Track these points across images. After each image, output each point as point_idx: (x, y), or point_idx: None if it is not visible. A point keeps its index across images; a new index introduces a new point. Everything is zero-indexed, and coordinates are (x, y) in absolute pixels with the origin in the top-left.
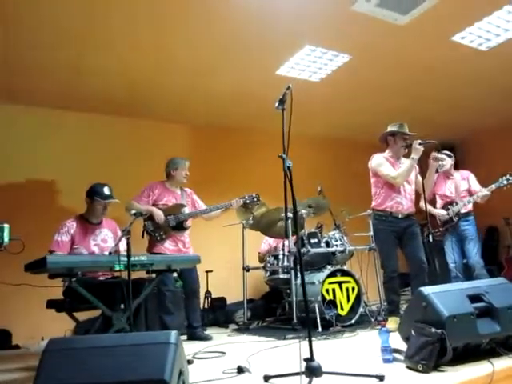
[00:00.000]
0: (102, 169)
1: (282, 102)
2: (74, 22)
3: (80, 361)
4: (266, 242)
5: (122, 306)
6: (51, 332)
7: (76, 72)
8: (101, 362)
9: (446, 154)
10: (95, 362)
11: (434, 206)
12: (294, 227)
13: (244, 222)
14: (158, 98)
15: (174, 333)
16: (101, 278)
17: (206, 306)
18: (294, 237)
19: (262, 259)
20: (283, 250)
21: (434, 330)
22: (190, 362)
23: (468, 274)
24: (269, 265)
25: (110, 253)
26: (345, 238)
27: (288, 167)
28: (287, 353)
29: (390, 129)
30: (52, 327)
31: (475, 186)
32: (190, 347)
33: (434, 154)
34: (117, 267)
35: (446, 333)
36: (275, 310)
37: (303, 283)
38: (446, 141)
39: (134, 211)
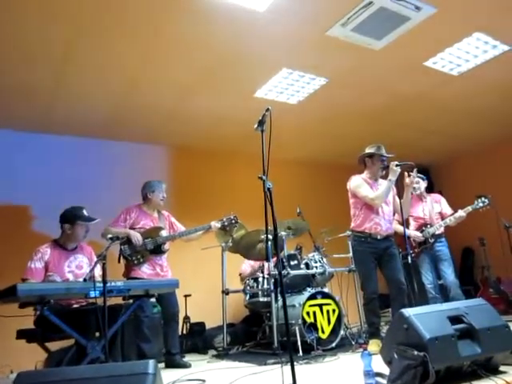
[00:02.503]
0: (79, 193)
1: (261, 123)
2: (50, 43)
3: None
4: (247, 263)
5: (98, 334)
6: (21, 364)
7: (52, 95)
8: None
9: (419, 177)
10: None
11: (408, 228)
12: (275, 249)
13: (223, 244)
14: (136, 120)
15: (151, 362)
16: (75, 306)
17: (184, 331)
18: (274, 259)
19: (244, 280)
20: (263, 272)
21: (416, 352)
22: None
23: (444, 294)
24: (248, 288)
25: (85, 279)
26: (324, 259)
27: (268, 189)
28: (268, 379)
29: (367, 150)
30: (22, 359)
31: (446, 209)
32: (168, 375)
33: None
34: (92, 294)
35: (428, 355)
36: (255, 334)
37: (284, 306)
38: (421, 164)
39: (110, 235)
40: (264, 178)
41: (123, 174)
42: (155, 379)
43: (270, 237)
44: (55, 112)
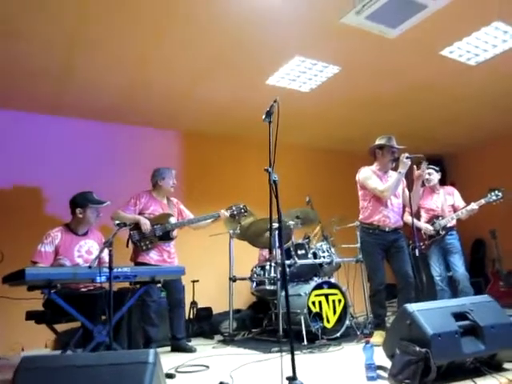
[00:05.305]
0: (90, 176)
1: (268, 114)
2: (63, 27)
3: (55, 381)
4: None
5: (104, 317)
6: (32, 342)
7: (65, 77)
8: (77, 382)
9: (433, 169)
10: (71, 383)
11: (419, 219)
12: (279, 242)
13: (231, 231)
14: (147, 105)
15: (152, 351)
16: (83, 289)
17: (191, 316)
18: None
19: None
20: (270, 260)
21: (418, 348)
22: (172, 376)
23: (453, 286)
24: (255, 276)
25: (90, 266)
26: (332, 249)
27: (274, 181)
28: (271, 367)
29: (378, 142)
30: (33, 338)
31: (459, 201)
32: (173, 359)
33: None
34: (98, 279)
35: (430, 351)
36: (262, 321)
37: (287, 298)
38: (434, 154)
39: (117, 221)
40: (270, 170)
41: (134, 158)
42: (155, 368)
43: (276, 225)
44: (66, 95)
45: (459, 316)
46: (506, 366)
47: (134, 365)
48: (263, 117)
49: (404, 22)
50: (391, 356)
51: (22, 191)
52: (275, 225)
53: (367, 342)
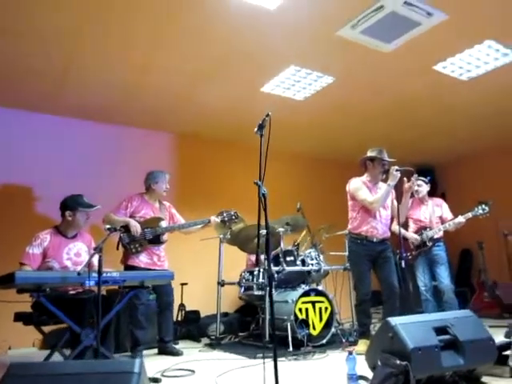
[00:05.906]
0: (82, 176)
1: (260, 127)
2: (61, 29)
3: None
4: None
5: (92, 320)
6: (19, 341)
7: (60, 77)
8: None
9: (422, 181)
10: None
11: (407, 230)
12: (266, 253)
13: (221, 236)
14: (144, 107)
15: (137, 361)
16: (71, 292)
17: (179, 318)
18: (272, 252)
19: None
20: (259, 265)
21: (398, 361)
22: (157, 380)
23: (438, 297)
24: (244, 281)
25: (79, 273)
26: (321, 256)
27: (263, 194)
28: (256, 373)
29: (369, 154)
30: (20, 337)
31: (447, 213)
32: (159, 363)
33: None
34: (87, 284)
35: (410, 365)
36: (249, 324)
37: (272, 309)
38: (426, 163)
39: (108, 226)
40: (259, 183)
41: (128, 159)
42: (140, 378)
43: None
44: (61, 95)
45: (440, 330)
46: (485, 379)
47: (120, 374)
48: (255, 129)
49: (399, 38)
50: (373, 368)
51: (12, 190)
52: (263, 231)
53: (350, 353)
